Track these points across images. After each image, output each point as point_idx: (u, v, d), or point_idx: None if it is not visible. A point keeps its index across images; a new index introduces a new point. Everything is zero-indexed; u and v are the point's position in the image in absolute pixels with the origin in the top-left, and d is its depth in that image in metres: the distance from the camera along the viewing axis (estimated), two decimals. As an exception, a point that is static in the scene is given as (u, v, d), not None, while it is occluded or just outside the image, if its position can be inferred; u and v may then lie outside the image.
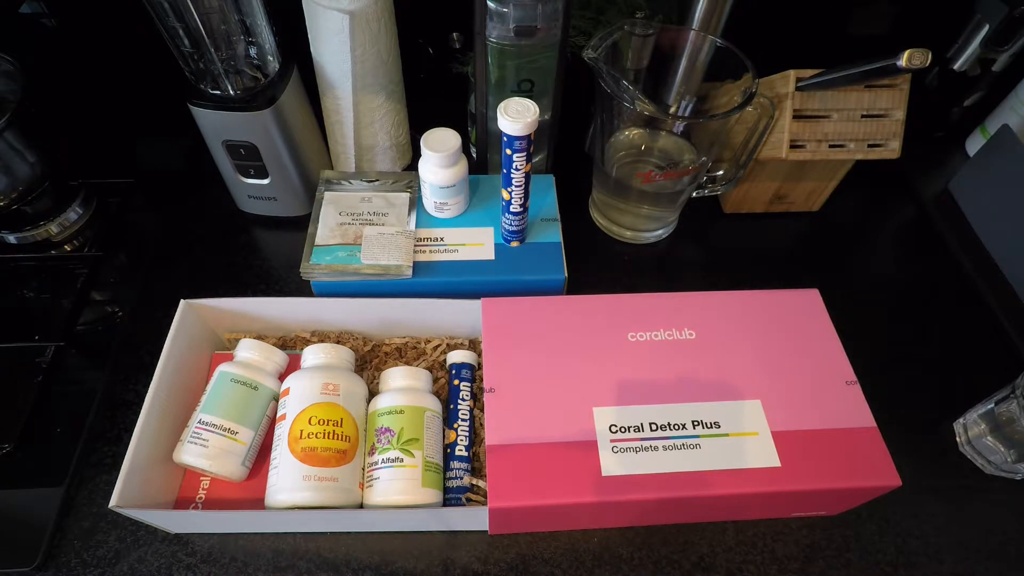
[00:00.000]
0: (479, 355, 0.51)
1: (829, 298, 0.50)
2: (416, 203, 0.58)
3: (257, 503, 0.44)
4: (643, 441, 0.42)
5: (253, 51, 0.54)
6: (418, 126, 0.58)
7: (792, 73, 0.54)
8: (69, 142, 0.64)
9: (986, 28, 0.63)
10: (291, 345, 0.52)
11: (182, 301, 0.48)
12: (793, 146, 0.56)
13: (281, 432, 0.44)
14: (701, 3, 0.54)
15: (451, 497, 0.44)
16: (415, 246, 0.55)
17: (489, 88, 0.56)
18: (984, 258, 0.63)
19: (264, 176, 0.59)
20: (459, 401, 0.48)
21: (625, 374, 0.45)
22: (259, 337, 0.52)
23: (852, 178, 0.62)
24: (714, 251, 0.65)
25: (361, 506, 0.43)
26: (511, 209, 0.52)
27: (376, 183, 0.59)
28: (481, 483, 0.45)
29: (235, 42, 0.52)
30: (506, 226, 0.55)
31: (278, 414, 0.45)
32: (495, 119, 0.46)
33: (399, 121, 0.63)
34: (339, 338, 0.52)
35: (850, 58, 0.51)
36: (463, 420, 0.47)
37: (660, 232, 0.65)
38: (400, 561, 0.45)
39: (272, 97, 0.53)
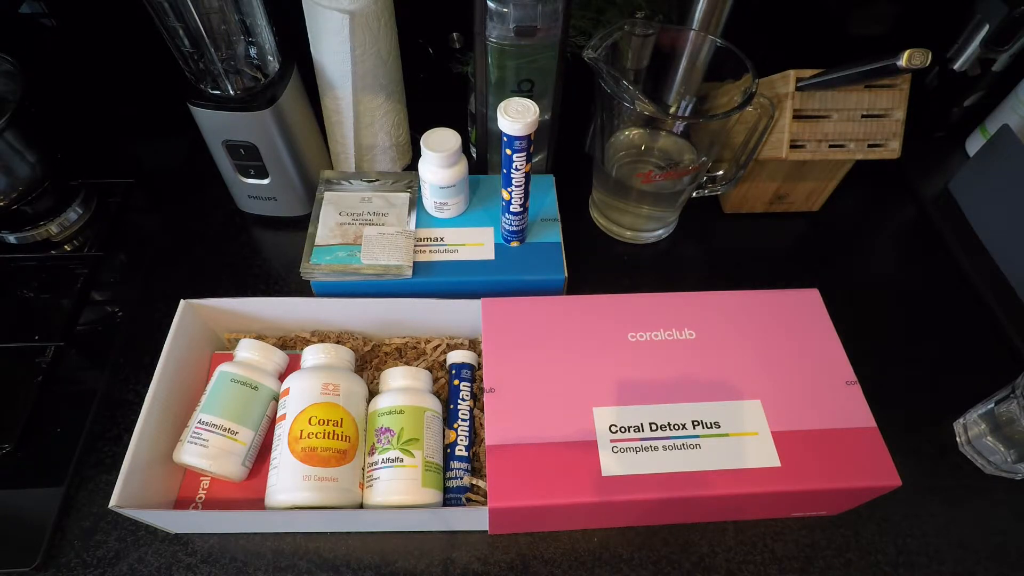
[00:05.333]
0: (479, 355, 0.51)
1: (829, 298, 0.50)
2: (416, 203, 0.58)
3: (257, 503, 0.44)
4: (643, 441, 0.42)
5: (253, 51, 0.54)
6: (418, 126, 0.58)
7: (792, 73, 0.54)
8: (69, 142, 0.64)
9: (986, 28, 0.63)
10: (291, 345, 0.52)
11: (182, 301, 0.48)
12: (793, 146, 0.56)
13: (281, 432, 0.44)
14: (701, 3, 0.54)
15: (451, 497, 0.44)
16: (415, 246, 0.55)
17: (489, 88, 0.56)
18: (984, 258, 0.63)
19: (264, 176, 0.59)
20: (459, 401, 0.48)
21: (625, 374, 0.45)
22: (259, 337, 0.52)
23: (852, 178, 0.62)
24: (714, 251, 0.65)
25: (361, 506, 0.43)
26: (511, 209, 0.52)
27: (376, 183, 0.59)
28: (481, 483, 0.45)
29: (235, 42, 0.52)
30: (506, 226, 0.55)
31: (278, 414, 0.45)
32: (495, 119, 0.46)
33: (399, 121, 0.63)
34: (339, 338, 0.52)
35: (850, 58, 0.51)
36: (463, 420, 0.47)
37: (660, 232, 0.65)
38: (400, 561, 0.45)
39: (272, 97, 0.53)
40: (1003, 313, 0.59)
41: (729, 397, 0.45)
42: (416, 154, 0.68)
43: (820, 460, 0.42)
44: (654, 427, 0.43)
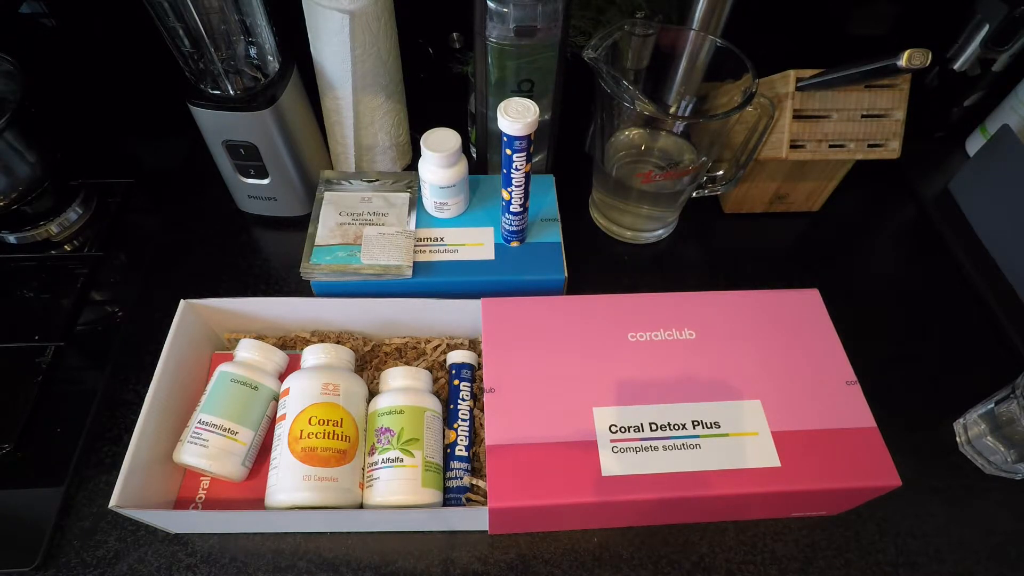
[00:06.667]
0: (479, 355, 0.51)
1: (829, 298, 0.50)
2: (416, 203, 0.58)
3: (257, 503, 0.44)
4: (643, 441, 0.42)
5: (253, 51, 0.54)
6: (418, 126, 0.58)
7: (792, 73, 0.54)
8: (69, 142, 0.64)
9: (986, 28, 0.63)
10: (291, 345, 0.52)
11: (182, 301, 0.48)
12: (793, 146, 0.56)
13: (281, 432, 0.44)
14: (701, 3, 0.54)
15: (451, 497, 0.44)
16: (415, 246, 0.55)
17: (489, 88, 0.56)
18: (984, 258, 0.63)
19: (264, 176, 0.59)
20: (459, 401, 0.48)
21: (625, 374, 0.45)
22: (259, 337, 0.52)
23: (852, 178, 0.62)
24: (714, 251, 0.65)
25: (361, 506, 0.43)
26: (511, 209, 0.52)
27: (376, 183, 0.59)
28: (481, 483, 0.45)
29: (235, 42, 0.52)
30: (506, 226, 0.55)
31: (278, 414, 0.45)
32: (495, 119, 0.46)
33: (399, 121, 0.63)
34: (339, 338, 0.52)
35: (850, 58, 0.51)
36: (463, 420, 0.47)
37: (660, 232, 0.65)
38: (400, 561, 0.45)
39: (272, 97, 0.53)
40: (1003, 313, 0.59)
41: (729, 397, 0.45)
42: (416, 154, 0.68)
43: (820, 460, 0.42)
44: (654, 427, 0.43)
